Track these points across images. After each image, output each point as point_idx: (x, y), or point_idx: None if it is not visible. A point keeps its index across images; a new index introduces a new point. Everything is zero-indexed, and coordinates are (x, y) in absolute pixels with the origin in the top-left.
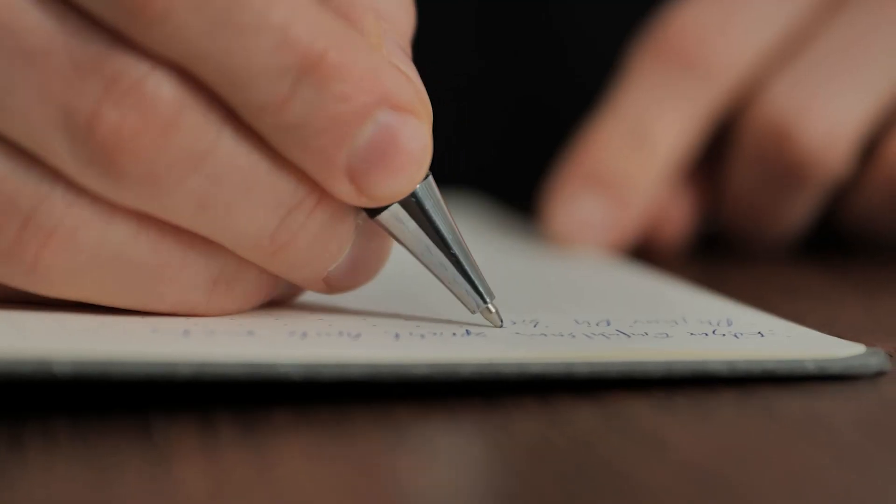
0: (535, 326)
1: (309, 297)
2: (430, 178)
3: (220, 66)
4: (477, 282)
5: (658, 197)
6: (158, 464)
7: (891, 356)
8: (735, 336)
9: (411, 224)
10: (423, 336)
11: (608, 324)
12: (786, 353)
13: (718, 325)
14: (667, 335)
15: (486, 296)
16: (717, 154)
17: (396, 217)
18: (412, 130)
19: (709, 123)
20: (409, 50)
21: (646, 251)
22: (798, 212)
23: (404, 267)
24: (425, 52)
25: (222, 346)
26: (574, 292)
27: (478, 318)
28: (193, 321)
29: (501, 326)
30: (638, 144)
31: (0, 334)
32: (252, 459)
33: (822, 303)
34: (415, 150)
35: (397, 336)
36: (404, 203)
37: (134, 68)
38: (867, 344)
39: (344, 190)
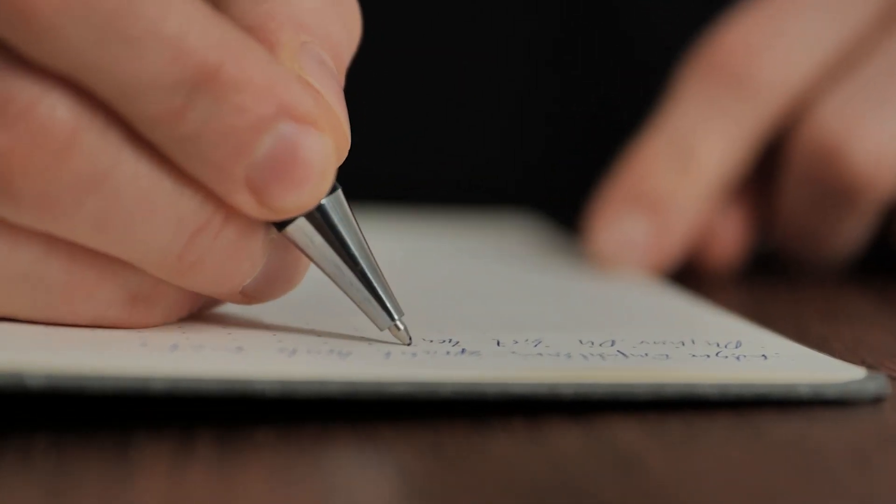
0: (535, 346)
1: (307, 311)
2: (339, 192)
3: (113, 78)
4: (385, 298)
5: (705, 217)
6: (123, 480)
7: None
8: (737, 358)
9: (317, 238)
10: (414, 355)
11: (612, 344)
12: (780, 377)
13: (725, 347)
14: (667, 356)
15: (393, 313)
16: (768, 173)
17: (302, 231)
18: (313, 142)
19: (756, 143)
20: (336, 64)
21: (696, 272)
22: (850, 233)
23: (418, 286)
24: (484, 67)
25: (205, 361)
26: (592, 312)
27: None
28: (184, 335)
29: (409, 344)
30: (683, 164)
31: None
32: (217, 480)
33: (855, 326)
34: (316, 162)
35: (388, 355)
36: (310, 217)
37: (27, 90)
38: (883, 368)
39: (245, 202)
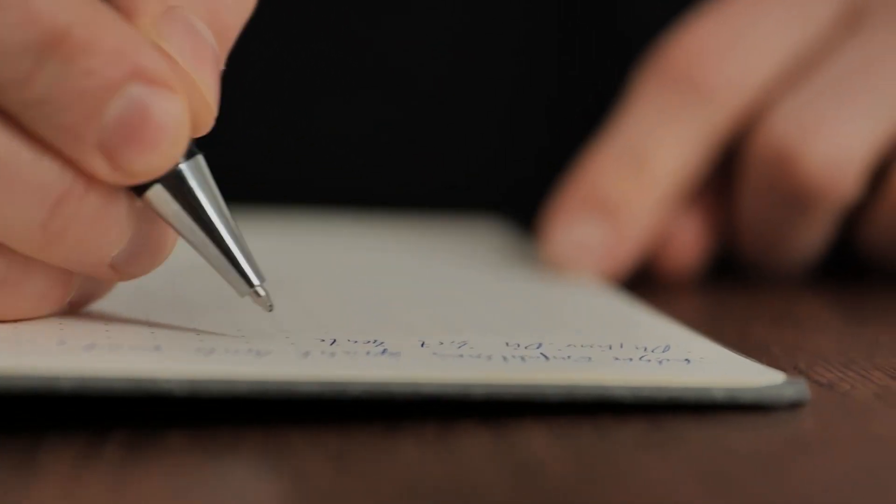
0: (459, 347)
1: (236, 312)
2: (200, 157)
3: None
4: (244, 264)
5: (661, 222)
6: (22, 482)
7: (826, 386)
8: (659, 362)
9: (174, 204)
10: (333, 354)
11: (538, 346)
12: (697, 381)
13: (653, 351)
14: (589, 359)
15: (252, 279)
16: (726, 179)
17: (159, 196)
18: (165, 104)
19: (712, 147)
20: (218, 30)
21: (654, 277)
22: (809, 238)
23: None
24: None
25: (118, 360)
26: (528, 315)
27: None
28: (106, 333)
29: (271, 310)
30: (636, 168)
31: None
32: (117, 483)
33: (800, 330)
34: (168, 124)
35: (307, 354)
36: (167, 182)
37: None
38: (812, 374)
39: (98, 166)
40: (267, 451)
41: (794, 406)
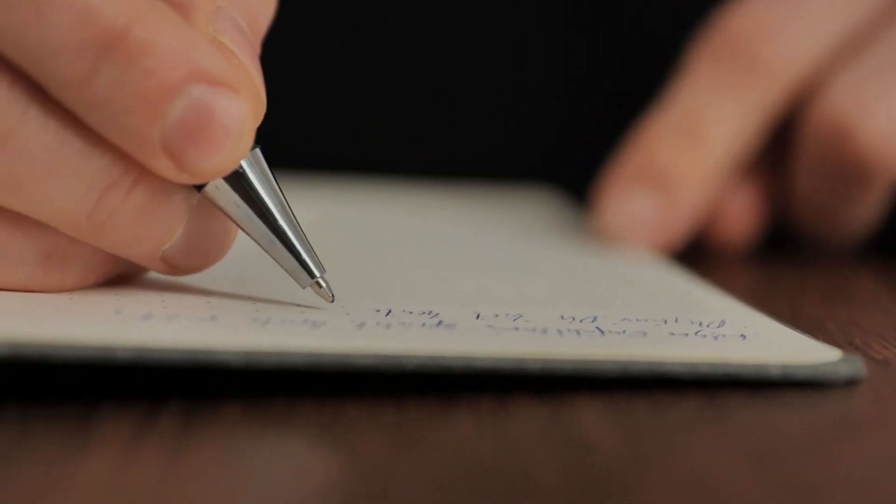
0: (514, 320)
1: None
2: (257, 151)
3: (20, 41)
4: (305, 256)
5: (714, 195)
6: (77, 452)
7: (882, 363)
8: (715, 338)
9: (234, 197)
10: (389, 326)
11: (593, 320)
12: (752, 358)
13: (708, 326)
14: (644, 334)
15: (315, 270)
16: (780, 153)
17: (220, 190)
18: (227, 104)
19: (767, 121)
20: (253, 31)
21: (707, 250)
22: (863, 211)
23: (417, 258)
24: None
25: (174, 331)
26: (582, 288)
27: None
28: (162, 303)
29: (332, 302)
30: (690, 141)
31: None
32: (172, 453)
33: (853, 307)
34: (231, 125)
35: (362, 325)
36: (228, 176)
37: None
38: (870, 350)
39: (164, 167)
40: (321, 423)
41: (849, 384)
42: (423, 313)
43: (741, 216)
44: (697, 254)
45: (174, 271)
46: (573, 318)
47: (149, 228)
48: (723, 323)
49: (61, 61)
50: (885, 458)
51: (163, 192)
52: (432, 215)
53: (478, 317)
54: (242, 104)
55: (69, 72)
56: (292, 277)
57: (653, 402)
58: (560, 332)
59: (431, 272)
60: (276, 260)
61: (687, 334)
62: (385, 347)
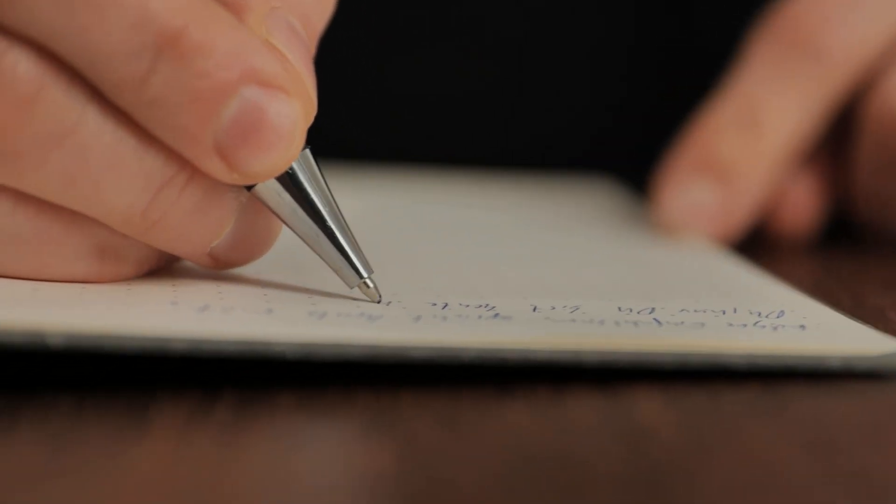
0: (571, 312)
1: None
2: (307, 151)
3: (77, 43)
4: (353, 256)
5: (775, 183)
6: (132, 440)
7: None
8: (774, 328)
9: (286, 196)
10: (445, 318)
11: (651, 311)
12: (812, 349)
13: (767, 316)
14: (703, 325)
15: (362, 270)
16: (841, 141)
17: (272, 189)
18: (280, 106)
19: (828, 109)
20: (307, 32)
21: (766, 240)
22: None
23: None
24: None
25: (230, 323)
26: (640, 279)
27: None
28: (219, 295)
29: (379, 302)
30: (750, 129)
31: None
32: (227, 442)
33: None
34: (283, 126)
35: (418, 318)
36: (279, 175)
37: None
38: None
39: (216, 168)
40: (376, 413)
41: None
42: (480, 306)
43: (801, 205)
44: (758, 243)
45: (219, 266)
46: (630, 310)
47: (200, 226)
48: (782, 313)
49: (118, 63)
50: None
51: (215, 191)
52: (488, 206)
53: (535, 309)
54: (294, 106)
55: (126, 73)
56: (340, 277)
57: (711, 391)
58: (617, 323)
59: (488, 265)
60: (323, 259)
61: (746, 325)
62: (441, 339)
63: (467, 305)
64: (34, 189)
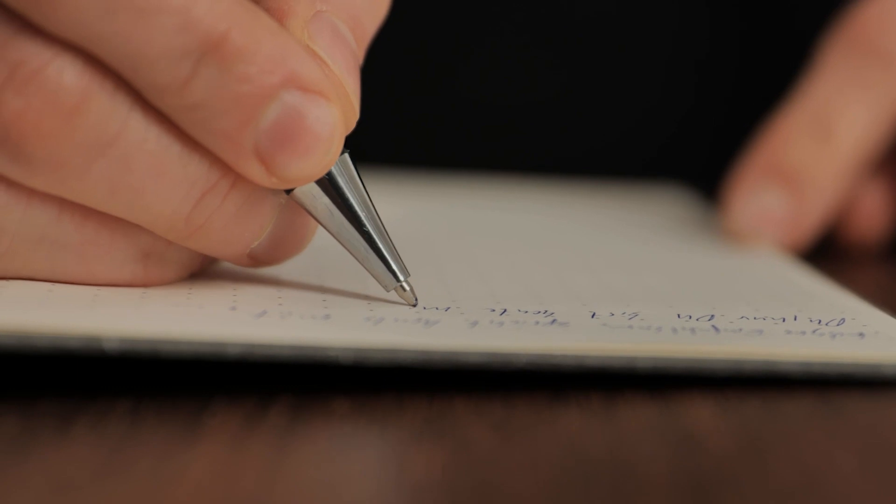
0: (630, 319)
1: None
2: (346, 155)
3: (121, 48)
4: (390, 260)
5: (846, 191)
6: (186, 443)
7: None
8: (832, 336)
9: (324, 200)
10: (502, 324)
11: (710, 318)
12: (868, 356)
13: (827, 324)
14: (761, 332)
15: (399, 274)
16: None
17: (310, 193)
18: (320, 111)
19: None
20: (357, 33)
21: (837, 247)
22: None
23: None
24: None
25: (285, 328)
26: (703, 285)
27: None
28: (275, 302)
29: (415, 305)
30: (821, 137)
31: (59, 308)
32: (272, 446)
33: None
34: (322, 131)
35: (475, 324)
36: (317, 179)
37: (37, 55)
38: None
39: (254, 171)
40: (430, 418)
41: None
42: (538, 312)
43: (873, 212)
44: (828, 250)
45: (257, 265)
46: (690, 317)
47: (241, 230)
48: (842, 321)
49: (162, 67)
50: None
51: (256, 196)
52: (558, 213)
53: (593, 315)
54: (334, 111)
55: (169, 77)
56: (377, 280)
57: (766, 399)
58: (675, 329)
59: (551, 271)
60: (360, 263)
61: (804, 332)
62: (494, 345)
63: (526, 311)
64: (78, 197)
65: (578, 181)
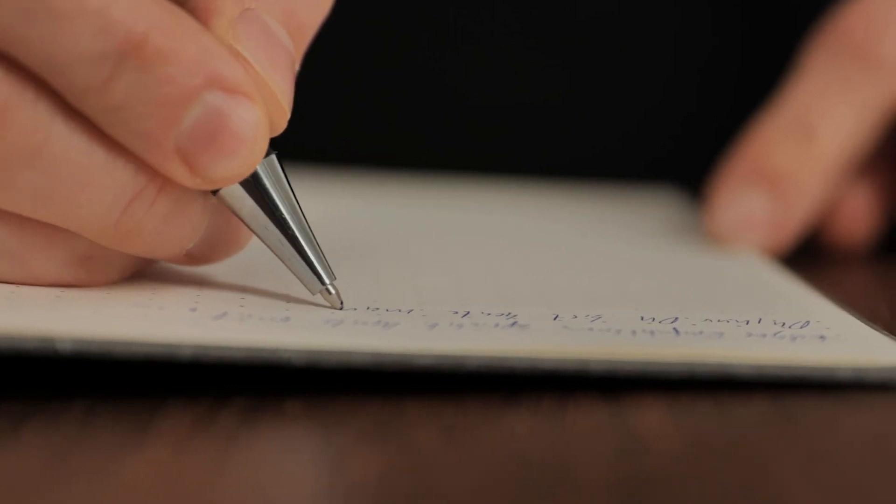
0: (592, 321)
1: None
2: (273, 157)
3: (40, 51)
4: (315, 263)
5: (829, 194)
6: (128, 447)
7: None
8: (793, 339)
9: (248, 202)
10: (461, 326)
11: (674, 321)
12: (824, 359)
13: (790, 327)
14: (721, 335)
15: (324, 277)
16: None
17: (235, 194)
18: (243, 111)
19: (883, 118)
20: (294, 30)
21: (822, 250)
22: None
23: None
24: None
25: (242, 330)
26: (672, 288)
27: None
28: (237, 304)
29: (341, 308)
30: (804, 139)
31: (17, 310)
32: (219, 447)
33: None
34: (245, 132)
35: (434, 326)
36: (242, 181)
37: None
38: None
39: (178, 173)
40: (380, 420)
41: None
42: (501, 314)
43: (857, 215)
44: (813, 253)
45: (197, 264)
46: (653, 319)
47: (174, 233)
48: (807, 324)
49: (82, 69)
50: None
51: (186, 198)
52: (543, 215)
53: (556, 318)
54: (257, 112)
55: (89, 80)
56: (303, 283)
57: (719, 402)
58: (634, 332)
59: (524, 273)
60: (286, 265)
61: (765, 335)
62: (447, 348)
63: (489, 314)
64: (6, 206)
65: (571, 183)
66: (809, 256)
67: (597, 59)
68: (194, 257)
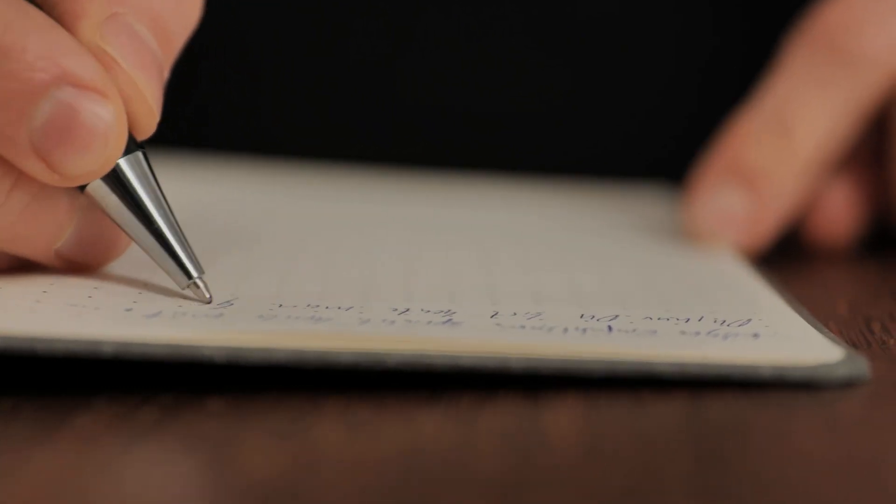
0: (529, 319)
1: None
2: (139, 153)
3: None
4: (183, 257)
5: (807, 191)
6: (35, 441)
7: None
8: (725, 337)
9: (113, 198)
10: (393, 323)
11: (614, 318)
12: (746, 358)
13: (730, 325)
14: (655, 332)
15: (192, 271)
16: (881, 148)
17: (99, 190)
18: (94, 107)
19: (862, 115)
20: (161, 36)
21: (803, 248)
22: None
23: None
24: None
25: (169, 327)
26: (624, 284)
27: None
28: (174, 303)
29: (209, 303)
30: (782, 137)
31: None
32: (116, 448)
33: None
34: (97, 126)
35: (366, 322)
36: (105, 177)
37: None
38: None
39: (35, 168)
40: (295, 417)
41: (848, 385)
42: (439, 312)
43: (837, 213)
44: (794, 250)
45: (70, 267)
46: (592, 317)
47: (36, 229)
48: (747, 322)
49: None
50: (838, 462)
51: (46, 193)
52: (524, 212)
53: (493, 315)
54: (109, 108)
55: None
56: (171, 278)
57: (637, 401)
58: (566, 330)
59: (485, 270)
60: (154, 260)
61: (699, 333)
62: (368, 345)
63: (428, 311)
64: None
65: (564, 181)
66: (792, 254)
67: (597, 59)
68: (68, 259)
